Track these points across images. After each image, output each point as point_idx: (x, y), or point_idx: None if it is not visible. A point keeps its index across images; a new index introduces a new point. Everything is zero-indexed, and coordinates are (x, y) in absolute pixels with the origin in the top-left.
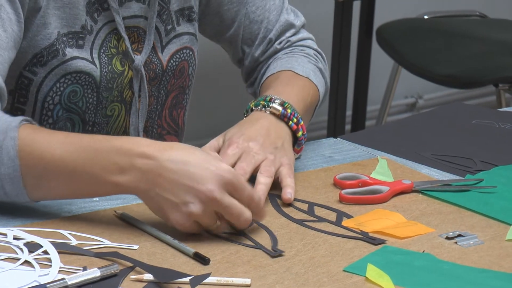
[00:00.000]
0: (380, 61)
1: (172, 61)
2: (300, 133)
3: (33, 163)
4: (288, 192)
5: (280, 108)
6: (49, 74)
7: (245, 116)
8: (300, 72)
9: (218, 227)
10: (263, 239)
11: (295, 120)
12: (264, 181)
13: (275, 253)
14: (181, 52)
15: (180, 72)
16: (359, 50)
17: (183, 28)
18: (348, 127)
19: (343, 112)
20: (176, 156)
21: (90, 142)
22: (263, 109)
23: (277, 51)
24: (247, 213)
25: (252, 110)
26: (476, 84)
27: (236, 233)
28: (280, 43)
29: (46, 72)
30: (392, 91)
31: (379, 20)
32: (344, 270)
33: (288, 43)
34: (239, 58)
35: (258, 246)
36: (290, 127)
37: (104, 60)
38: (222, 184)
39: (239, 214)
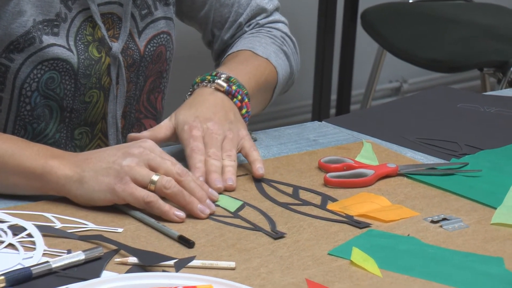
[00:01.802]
0: (365, 45)
1: (149, 46)
2: (244, 111)
3: None
4: (259, 167)
5: (224, 84)
6: (26, 61)
7: (191, 91)
8: (259, 53)
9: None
10: (260, 221)
11: (239, 97)
12: (229, 164)
13: (277, 235)
14: (159, 37)
15: (158, 57)
16: (344, 34)
17: (160, 12)
18: (333, 111)
19: (328, 96)
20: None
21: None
22: (208, 84)
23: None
24: (179, 166)
25: (198, 85)
26: (461, 68)
27: (232, 216)
28: (249, 25)
29: (23, 59)
30: (376, 75)
31: (364, 4)
32: (328, 254)
33: (257, 26)
34: (209, 40)
35: (257, 228)
36: (234, 104)
37: (80, 47)
38: (148, 149)
39: (170, 165)
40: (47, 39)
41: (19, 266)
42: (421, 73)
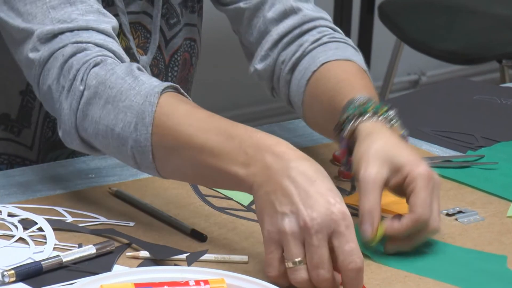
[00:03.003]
0: (382, 38)
1: (175, 56)
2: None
3: (165, 134)
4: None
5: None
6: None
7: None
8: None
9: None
10: None
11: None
12: None
13: None
14: (183, 44)
15: (183, 64)
16: (361, 26)
17: (186, 19)
18: None
19: None
20: (306, 169)
21: (228, 126)
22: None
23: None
24: (331, 272)
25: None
26: (479, 60)
27: (246, 210)
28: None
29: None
30: (394, 68)
31: None
32: None
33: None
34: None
35: None
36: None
37: None
38: (328, 220)
39: (319, 263)
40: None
41: (30, 260)
42: (440, 65)
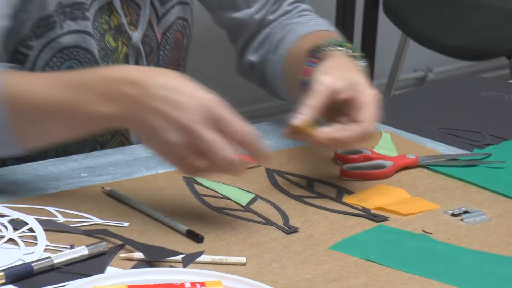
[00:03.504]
0: (387, 33)
1: (167, 34)
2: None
3: (19, 107)
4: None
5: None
6: (44, 48)
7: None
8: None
9: (207, 170)
10: (272, 215)
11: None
12: None
13: (290, 230)
14: (176, 23)
15: (176, 44)
16: (365, 21)
17: None
18: None
19: None
20: (164, 81)
21: (76, 76)
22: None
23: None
24: (230, 151)
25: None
26: (488, 55)
27: (244, 210)
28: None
29: (41, 45)
30: (400, 64)
31: None
32: (329, 249)
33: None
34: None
35: (269, 222)
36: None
37: (96, 36)
38: (206, 116)
39: (220, 150)
40: (68, 26)
41: (20, 262)
42: (448, 61)
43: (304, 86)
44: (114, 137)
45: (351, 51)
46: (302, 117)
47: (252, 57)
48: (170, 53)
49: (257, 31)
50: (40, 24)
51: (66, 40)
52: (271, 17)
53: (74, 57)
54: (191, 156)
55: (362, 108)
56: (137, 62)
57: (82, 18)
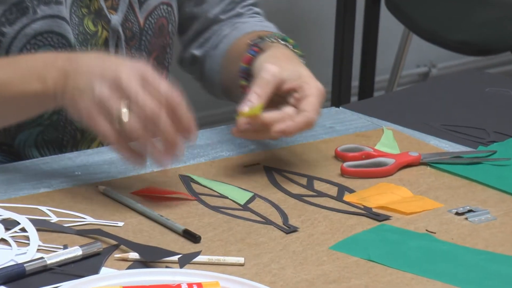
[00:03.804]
0: (389, 27)
1: (150, 19)
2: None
3: None
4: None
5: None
6: (18, 35)
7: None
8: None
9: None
10: (271, 214)
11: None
12: None
13: (289, 229)
14: (159, 8)
15: (160, 30)
16: (366, 15)
17: None
18: (354, 98)
19: (348, 82)
20: (94, 55)
21: (11, 59)
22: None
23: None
24: (154, 105)
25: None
26: (493, 51)
27: (242, 209)
28: (242, 7)
29: (15, 31)
30: (402, 60)
31: None
32: (330, 249)
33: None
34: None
35: (268, 222)
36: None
37: (74, 21)
38: (134, 73)
39: (144, 103)
40: (42, 11)
41: (12, 263)
42: (451, 57)
43: (243, 73)
44: None
45: (293, 47)
46: (250, 104)
47: (196, 51)
48: (154, 39)
49: (207, 27)
50: (12, 10)
51: (39, 25)
52: (223, 16)
53: (48, 43)
54: (113, 104)
55: (306, 99)
56: (117, 47)
57: (56, 3)
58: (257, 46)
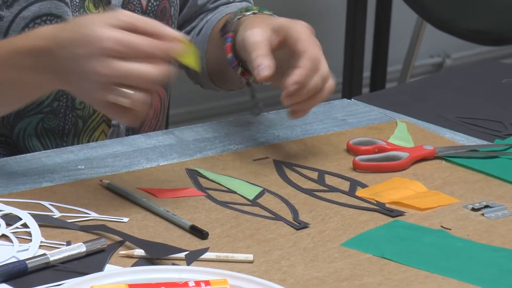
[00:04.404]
0: (402, 16)
1: (152, 1)
2: None
3: None
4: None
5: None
6: (16, 18)
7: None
8: None
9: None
10: (281, 210)
11: None
12: None
13: (300, 226)
14: None
15: (162, 13)
16: (379, 3)
17: None
18: (366, 90)
19: (360, 73)
20: (70, 35)
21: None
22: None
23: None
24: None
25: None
26: (509, 40)
27: (251, 204)
28: None
29: (13, 15)
30: (415, 50)
31: None
32: (341, 246)
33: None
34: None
35: (278, 218)
36: None
37: (75, 2)
38: (117, 26)
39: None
40: None
41: (14, 259)
42: (466, 46)
43: (232, 63)
44: (97, 111)
45: (259, 11)
46: (267, 66)
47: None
48: None
49: (194, 15)
50: None
51: (38, 7)
52: (211, 5)
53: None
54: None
55: (298, 41)
56: None
57: None
58: (229, 31)
